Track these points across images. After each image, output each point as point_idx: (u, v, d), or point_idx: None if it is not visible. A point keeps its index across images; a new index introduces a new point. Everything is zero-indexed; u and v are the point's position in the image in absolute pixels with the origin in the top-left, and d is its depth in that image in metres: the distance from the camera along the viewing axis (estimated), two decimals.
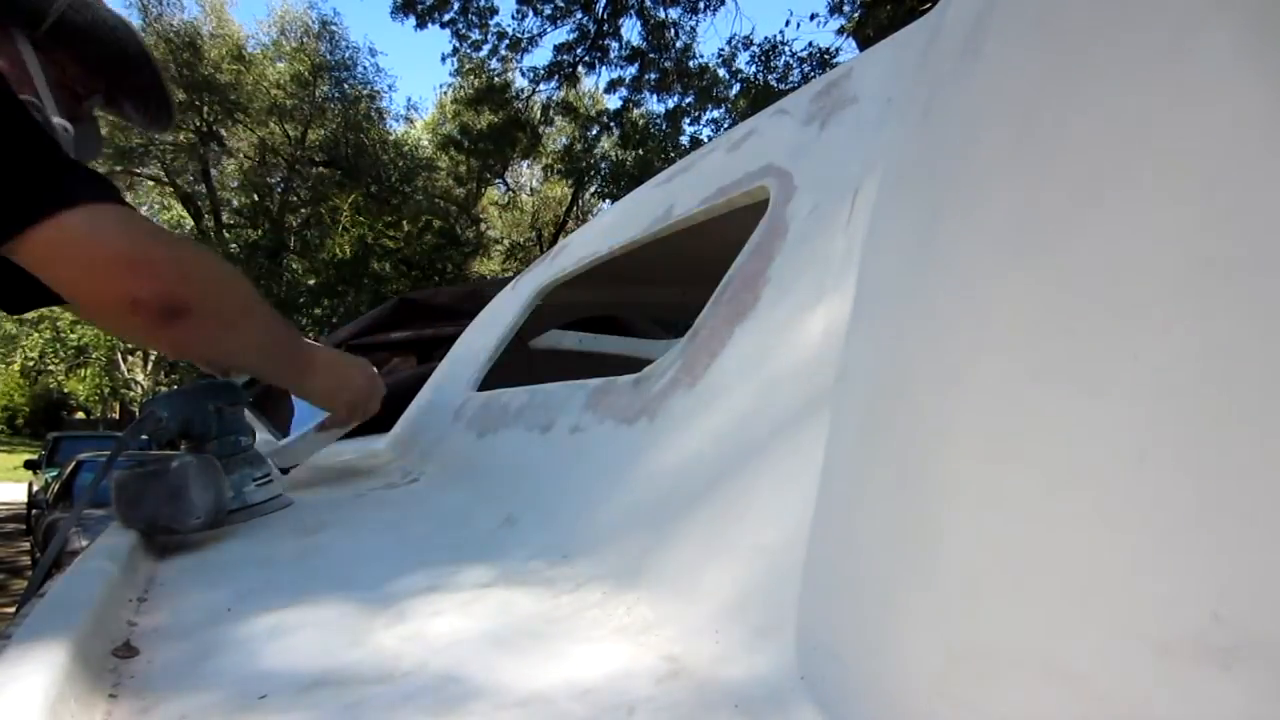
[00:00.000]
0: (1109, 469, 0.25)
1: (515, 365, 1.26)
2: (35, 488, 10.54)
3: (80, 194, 0.70)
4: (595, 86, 14.18)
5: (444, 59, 11.68)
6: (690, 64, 11.10)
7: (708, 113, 11.66)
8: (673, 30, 10.72)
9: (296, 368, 0.93)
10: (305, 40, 16.61)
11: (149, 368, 20.38)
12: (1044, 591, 0.26)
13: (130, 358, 20.27)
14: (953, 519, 0.31)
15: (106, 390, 22.20)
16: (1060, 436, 0.27)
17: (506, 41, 11.09)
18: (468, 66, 11.92)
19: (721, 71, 11.23)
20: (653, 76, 11.19)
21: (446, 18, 10.52)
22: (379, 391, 1.02)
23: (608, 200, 13.62)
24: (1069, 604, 0.26)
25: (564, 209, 16.25)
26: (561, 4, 10.50)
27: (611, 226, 1.20)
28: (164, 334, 0.75)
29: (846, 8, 8.70)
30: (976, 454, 0.30)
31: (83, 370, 20.38)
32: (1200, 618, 0.22)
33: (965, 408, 0.31)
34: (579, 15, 10.62)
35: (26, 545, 9.23)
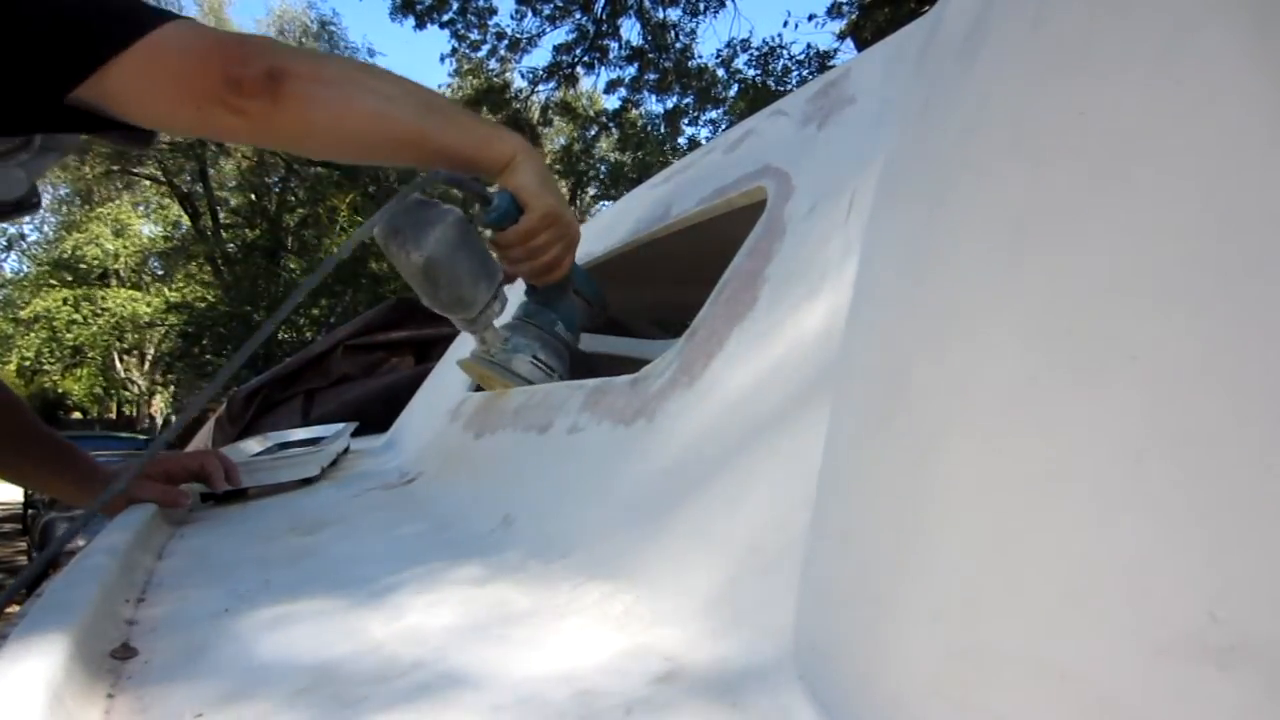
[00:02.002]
0: (1107, 469, 0.25)
1: None
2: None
3: (152, 19, 0.68)
4: (594, 87, 14.17)
5: (443, 59, 11.69)
6: (689, 64, 11.10)
7: (706, 113, 11.67)
8: (672, 31, 10.72)
9: (467, 126, 0.78)
10: (304, 40, 16.62)
11: (145, 367, 20.34)
12: (1042, 591, 0.27)
13: (126, 358, 20.22)
14: (950, 519, 0.31)
15: (103, 390, 22.15)
16: (1058, 436, 0.27)
17: (505, 42, 11.09)
18: (466, 67, 11.93)
19: (720, 72, 11.24)
20: (652, 77, 11.19)
21: (445, 18, 10.51)
22: (578, 234, 0.86)
23: (606, 201, 13.62)
24: (1066, 604, 0.26)
25: None
26: (560, 4, 10.51)
27: (610, 227, 1.20)
28: (278, 107, 0.69)
29: (845, 9, 8.71)
30: (974, 454, 0.30)
31: (79, 370, 20.32)
32: (1198, 618, 0.22)
33: (963, 407, 0.32)
34: (578, 15, 10.62)
35: (23, 545, 9.21)
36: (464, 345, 1.34)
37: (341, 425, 1.42)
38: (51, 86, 0.67)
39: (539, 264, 0.83)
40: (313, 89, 0.71)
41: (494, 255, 0.84)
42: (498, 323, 0.88)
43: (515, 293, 0.97)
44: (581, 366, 0.94)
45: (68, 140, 0.80)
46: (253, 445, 1.39)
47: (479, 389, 1.12)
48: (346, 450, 1.37)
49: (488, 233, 0.84)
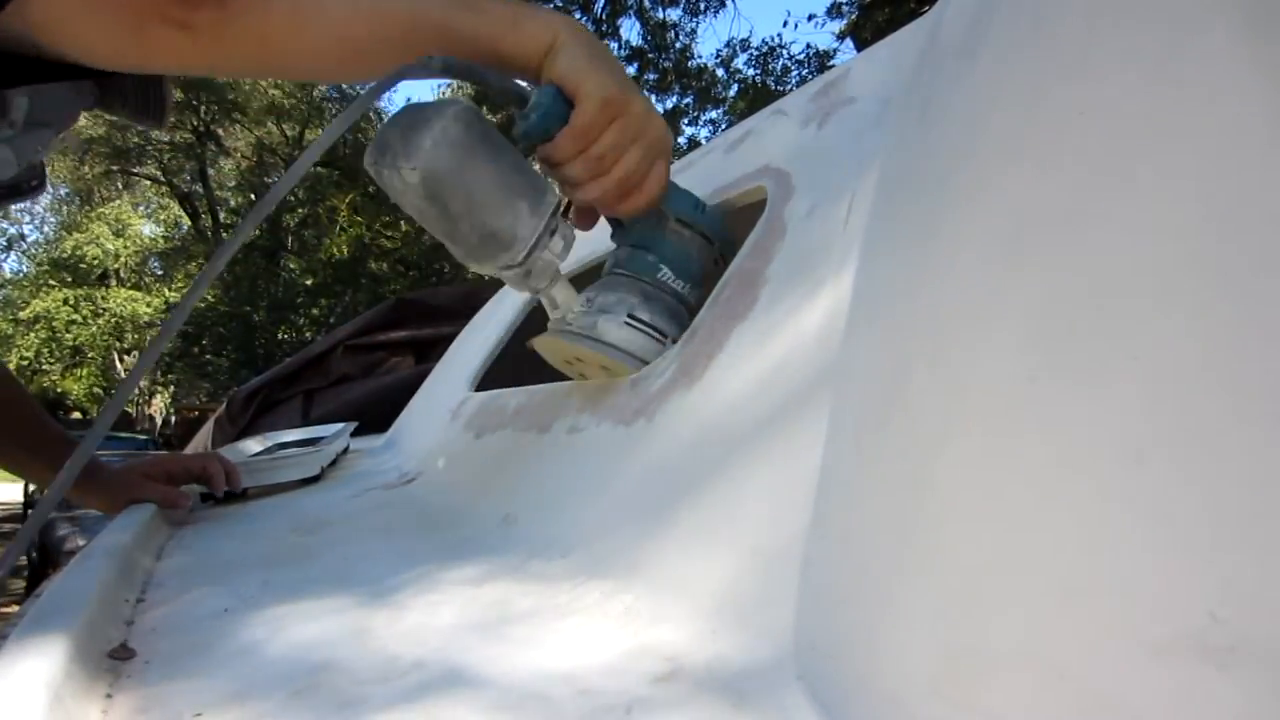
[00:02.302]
0: (1107, 469, 0.25)
1: (513, 365, 1.26)
2: (32, 488, 10.52)
3: None
4: None
5: None
6: (689, 64, 11.10)
7: (706, 113, 11.67)
8: (672, 31, 10.73)
9: (483, 6, 0.58)
10: None
11: None
12: (1041, 591, 0.27)
13: (126, 358, 20.23)
14: (950, 518, 0.31)
15: (102, 390, 22.15)
16: (1058, 436, 0.27)
17: None
18: None
19: (720, 72, 11.24)
20: (651, 76, 11.19)
21: None
22: (665, 134, 0.62)
23: None
24: (1066, 604, 0.26)
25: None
26: (560, 4, 10.50)
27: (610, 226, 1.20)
28: (229, 12, 0.56)
29: (845, 9, 8.72)
30: (974, 454, 0.30)
31: (79, 370, 20.33)
32: (1198, 618, 0.22)
33: (963, 408, 0.32)
34: (578, 15, 10.62)
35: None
36: (464, 344, 1.34)
37: (341, 425, 1.43)
38: None
39: (612, 179, 0.58)
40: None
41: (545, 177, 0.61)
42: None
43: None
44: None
45: (55, 113, 0.69)
46: (252, 445, 1.39)
47: (479, 389, 1.11)
48: (346, 450, 1.37)
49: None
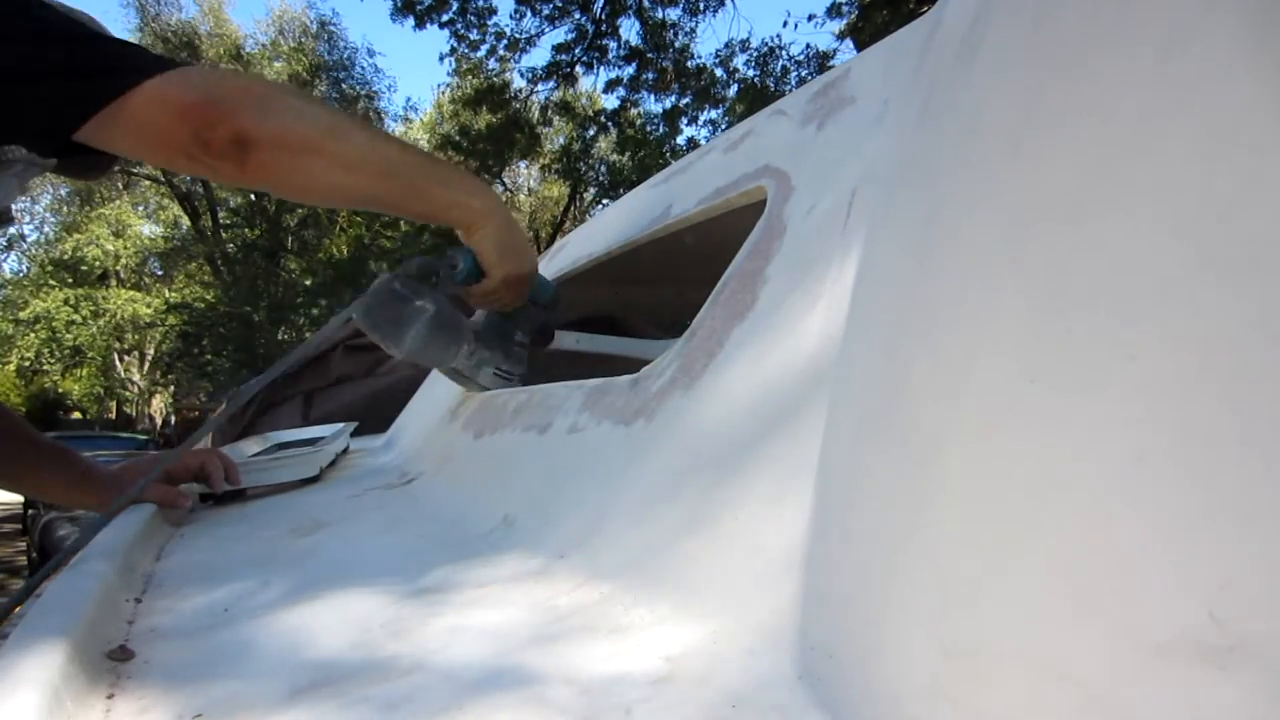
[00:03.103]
0: (1106, 469, 0.25)
1: None
2: None
3: (135, 72, 0.73)
4: (593, 87, 14.17)
5: (442, 59, 11.69)
6: (688, 64, 11.10)
7: (705, 113, 11.67)
8: (671, 30, 10.73)
9: (428, 194, 0.84)
10: (303, 40, 16.61)
11: (145, 368, 20.34)
12: (1041, 591, 0.27)
13: (126, 358, 20.23)
14: (950, 519, 0.31)
15: (102, 390, 22.15)
16: (1058, 436, 0.27)
17: (505, 41, 11.09)
18: (466, 66, 11.93)
19: (719, 72, 11.24)
20: (651, 76, 11.19)
21: (445, 18, 10.51)
22: (534, 271, 0.95)
23: (606, 201, 13.62)
24: (1066, 604, 0.26)
25: (561, 209, 16.25)
26: (560, 4, 10.51)
27: (609, 226, 1.20)
28: (245, 170, 0.76)
29: (844, 9, 8.72)
30: (973, 454, 0.30)
31: (79, 370, 20.33)
32: (1197, 618, 0.22)
33: (962, 408, 0.32)
34: (577, 15, 10.62)
35: (23, 545, 9.21)
36: None
37: (341, 425, 1.43)
38: (48, 135, 0.74)
39: (500, 307, 0.96)
40: (276, 157, 0.77)
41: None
42: None
43: None
44: (539, 363, 1.06)
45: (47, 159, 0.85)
46: (251, 445, 1.39)
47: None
48: (346, 450, 1.37)
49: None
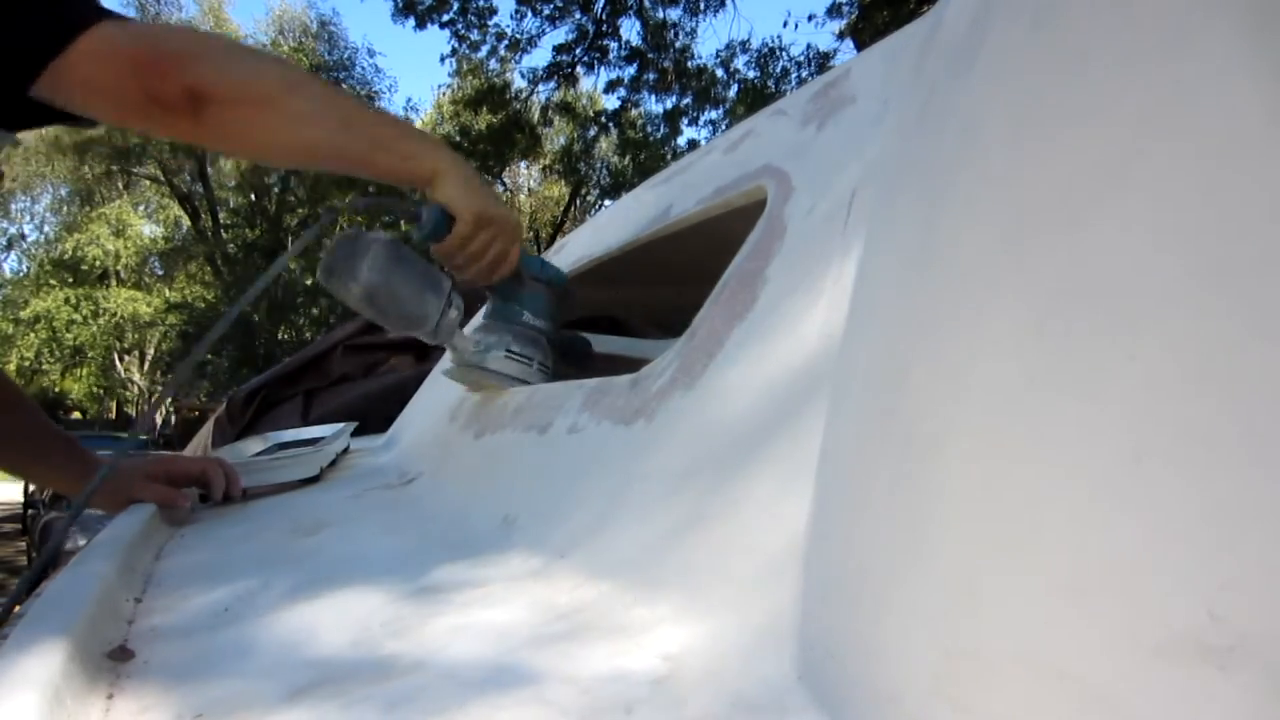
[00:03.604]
0: (1106, 468, 0.25)
1: None
2: (31, 487, 10.52)
3: (72, 27, 0.69)
4: (594, 87, 14.17)
5: (443, 60, 11.69)
6: (689, 64, 11.10)
7: (706, 114, 11.67)
8: (672, 31, 10.73)
9: (387, 143, 0.80)
10: (303, 40, 16.61)
11: (145, 367, 20.35)
12: (1041, 591, 0.27)
13: (126, 358, 20.23)
14: (950, 519, 0.31)
15: (102, 390, 22.15)
16: (1057, 436, 0.27)
17: (505, 42, 11.09)
18: (467, 67, 11.93)
19: (720, 72, 11.24)
20: (651, 77, 11.19)
21: (445, 18, 10.52)
22: (517, 226, 0.87)
23: (606, 201, 13.62)
24: (1066, 604, 0.26)
25: (561, 209, 16.24)
26: (560, 4, 10.51)
27: (609, 226, 1.20)
28: (199, 126, 0.73)
29: (845, 9, 8.72)
30: (973, 454, 0.30)
31: (79, 370, 20.34)
32: (1198, 618, 0.22)
33: (962, 408, 0.32)
34: (578, 15, 10.62)
35: (24, 545, 9.22)
36: None
37: (341, 425, 1.43)
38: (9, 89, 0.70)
39: (484, 265, 0.85)
40: (230, 111, 0.73)
41: (438, 267, 0.87)
42: (468, 329, 0.91)
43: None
44: (569, 351, 0.95)
45: None
46: (252, 445, 1.39)
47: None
48: (346, 450, 1.37)
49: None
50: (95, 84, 0.70)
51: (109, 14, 0.72)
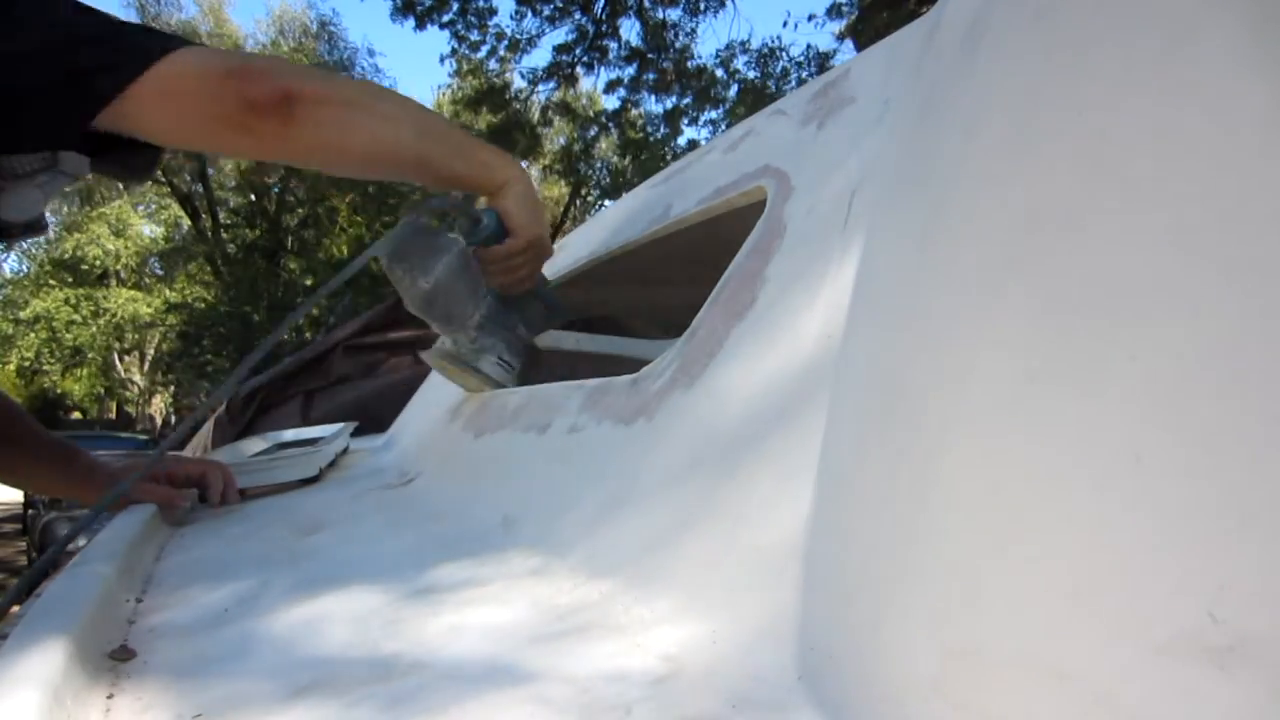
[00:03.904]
0: (1106, 468, 0.25)
1: None
2: None
3: (165, 45, 0.73)
4: (594, 87, 14.17)
5: (443, 60, 11.69)
6: (689, 65, 11.10)
7: (705, 114, 11.67)
8: (672, 31, 10.73)
9: (465, 150, 0.84)
10: (304, 40, 16.61)
11: (145, 368, 20.34)
12: (1041, 592, 0.27)
13: (127, 358, 20.22)
14: (950, 519, 0.31)
15: (102, 390, 22.14)
16: (1057, 436, 0.27)
17: (505, 42, 11.09)
18: (466, 67, 11.92)
19: (720, 73, 11.24)
20: (651, 77, 11.19)
21: (445, 19, 10.51)
22: (550, 250, 0.93)
23: (606, 201, 13.62)
24: (1066, 604, 0.26)
25: (561, 209, 16.24)
26: (560, 4, 10.51)
27: (609, 226, 1.20)
28: (290, 128, 0.74)
29: (844, 9, 8.72)
30: (973, 454, 0.30)
31: (79, 370, 20.33)
32: (1198, 618, 0.22)
33: (962, 408, 0.32)
34: (578, 16, 10.62)
35: (23, 545, 9.21)
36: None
37: (341, 425, 1.42)
38: (72, 112, 0.71)
39: (513, 279, 0.90)
40: (322, 111, 0.76)
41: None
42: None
43: None
44: (533, 364, 1.02)
45: (78, 164, 0.82)
46: (252, 445, 1.39)
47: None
48: (346, 450, 1.37)
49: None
50: (181, 98, 0.73)
51: (186, 41, 0.76)
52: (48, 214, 0.85)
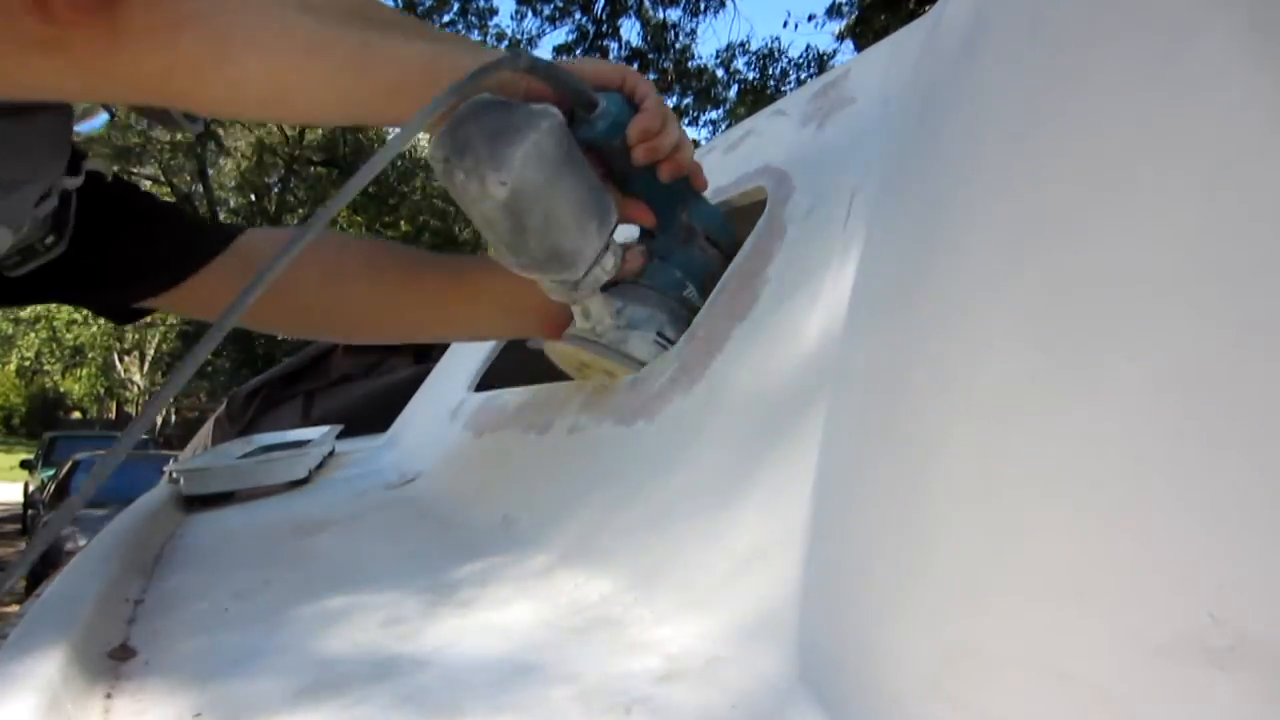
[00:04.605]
0: (1106, 468, 0.25)
1: (513, 365, 1.26)
2: (31, 487, 10.53)
3: None
4: None
5: None
6: (689, 65, 11.11)
7: (706, 114, 11.67)
8: (672, 31, 10.73)
9: (456, 40, 0.55)
10: None
11: (145, 368, 20.35)
12: (1041, 592, 0.27)
13: (127, 358, 20.23)
14: (950, 519, 0.31)
15: (103, 390, 22.15)
16: (1057, 436, 0.27)
17: (506, 43, 11.10)
18: None
19: (720, 73, 11.24)
20: (651, 77, 11.20)
21: (446, 19, 10.52)
22: None
23: None
24: (1066, 605, 0.26)
25: None
26: (560, 5, 10.51)
27: None
28: (115, 44, 0.44)
29: (844, 9, 8.72)
30: (974, 454, 0.30)
31: (79, 370, 20.36)
32: (1198, 618, 0.22)
33: (963, 408, 0.32)
34: (578, 16, 10.62)
35: (24, 545, 9.23)
36: (464, 344, 1.34)
37: (326, 428, 1.42)
38: None
39: (668, 158, 0.60)
40: (171, 17, 0.44)
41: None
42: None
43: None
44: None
45: (33, 167, 0.56)
46: (235, 448, 1.38)
47: (479, 389, 1.12)
48: (332, 453, 1.37)
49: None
50: None
51: None
52: (68, 220, 0.62)
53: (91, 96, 0.58)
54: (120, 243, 0.66)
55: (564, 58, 11.09)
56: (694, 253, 0.65)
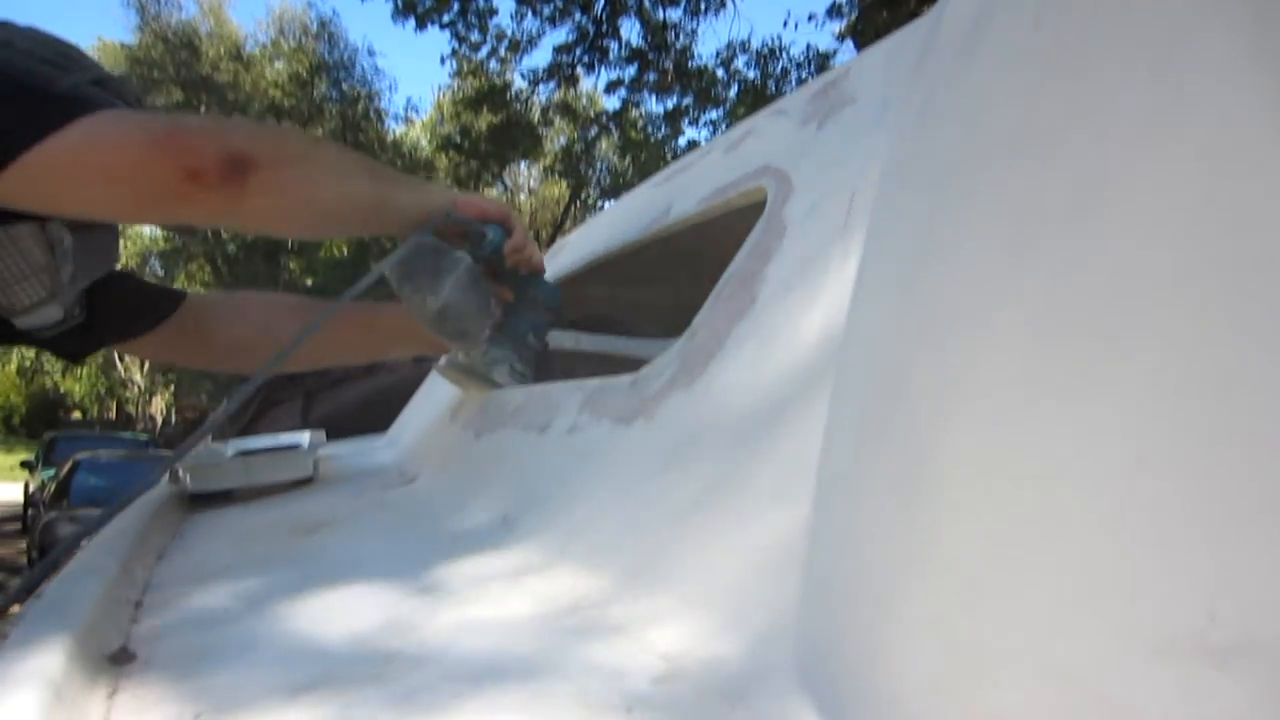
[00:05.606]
0: (1107, 468, 0.25)
1: None
2: (32, 487, 10.53)
3: (74, 108, 0.62)
4: (594, 87, 14.17)
5: (443, 60, 11.68)
6: (689, 65, 11.10)
7: (706, 114, 11.67)
8: (672, 31, 10.73)
9: (405, 181, 0.82)
10: (304, 40, 16.61)
11: (145, 368, 20.35)
12: (1041, 592, 0.27)
13: (127, 358, 20.22)
14: (950, 519, 0.31)
15: (103, 390, 22.15)
16: (1058, 436, 0.27)
17: (506, 43, 11.09)
18: (467, 68, 11.92)
19: (720, 73, 11.24)
20: (652, 77, 11.19)
21: (446, 19, 10.51)
22: None
23: (606, 201, 13.62)
24: (1066, 604, 0.26)
25: (561, 210, 16.25)
26: (561, 5, 10.50)
27: (609, 226, 1.20)
28: (242, 197, 0.65)
29: (844, 9, 8.72)
30: (974, 454, 0.30)
31: (79, 370, 20.36)
32: (1197, 618, 0.22)
33: (962, 408, 0.32)
34: (578, 16, 10.61)
35: (24, 545, 9.22)
36: None
37: (309, 433, 1.41)
38: None
39: (529, 257, 0.90)
40: (279, 173, 0.69)
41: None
42: None
43: None
44: (542, 367, 1.04)
45: (98, 263, 0.79)
46: (220, 450, 1.37)
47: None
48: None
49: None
50: (108, 169, 0.63)
51: (104, 104, 0.66)
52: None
53: (212, 225, 0.91)
54: (102, 304, 0.84)
55: (564, 58, 11.08)
56: (538, 314, 0.96)
